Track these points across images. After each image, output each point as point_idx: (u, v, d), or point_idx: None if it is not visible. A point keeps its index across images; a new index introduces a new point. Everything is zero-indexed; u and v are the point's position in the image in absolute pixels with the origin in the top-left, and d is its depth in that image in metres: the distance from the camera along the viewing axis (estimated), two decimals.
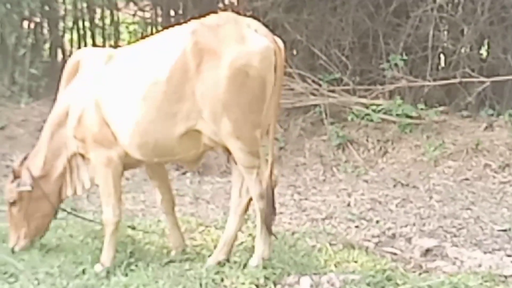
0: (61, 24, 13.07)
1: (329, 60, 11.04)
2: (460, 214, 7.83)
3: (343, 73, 10.91)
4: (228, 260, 5.66)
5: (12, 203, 5.95)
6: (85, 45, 12.99)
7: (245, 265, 5.56)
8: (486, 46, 11.63)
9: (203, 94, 5.18)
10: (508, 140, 9.57)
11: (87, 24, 13.24)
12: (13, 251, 5.98)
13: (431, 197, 8.43)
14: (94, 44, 12.98)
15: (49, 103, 6.11)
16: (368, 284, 5.45)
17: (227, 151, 5.45)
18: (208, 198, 8.47)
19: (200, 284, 5.38)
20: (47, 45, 12.81)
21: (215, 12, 5.59)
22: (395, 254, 6.61)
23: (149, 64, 5.39)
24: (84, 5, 13.20)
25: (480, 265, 6.24)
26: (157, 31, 11.12)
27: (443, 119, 10.15)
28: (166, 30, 5.75)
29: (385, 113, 10.11)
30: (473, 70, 10.57)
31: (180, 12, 12.61)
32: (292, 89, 10.46)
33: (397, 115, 10.05)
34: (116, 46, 12.44)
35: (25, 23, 12.11)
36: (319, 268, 5.85)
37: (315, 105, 10.37)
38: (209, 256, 5.79)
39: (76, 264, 5.83)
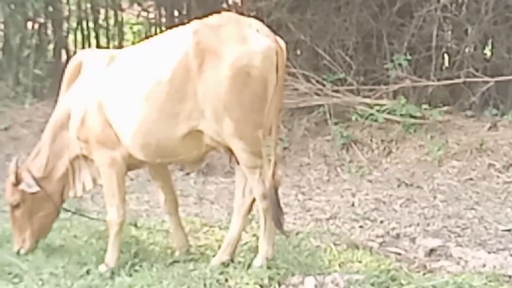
0: (65, 25, 13.07)
1: (333, 60, 11.04)
2: (464, 214, 7.82)
3: (347, 73, 10.91)
4: (232, 261, 5.67)
5: (15, 206, 5.94)
6: (89, 46, 12.99)
7: (249, 265, 5.57)
8: (490, 46, 11.62)
9: (205, 94, 5.19)
10: None
11: (91, 24, 13.23)
12: (18, 253, 5.98)
13: (435, 197, 8.42)
14: (98, 45, 12.99)
15: (53, 104, 6.10)
16: (372, 284, 5.46)
17: (229, 151, 5.46)
18: (212, 198, 8.47)
19: (205, 285, 5.39)
20: (51, 46, 12.80)
21: (219, 13, 5.59)
22: (399, 254, 6.60)
23: (151, 65, 5.40)
24: (88, 5, 13.20)
25: (484, 265, 6.23)
26: (161, 32, 11.15)
27: (447, 119, 10.14)
28: (168, 31, 5.77)
29: (389, 113, 10.10)
30: (477, 70, 10.56)
31: (184, 12, 12.61)
32: (296, 89, 10.46)
33: (401, 115, 10.04)
34: (120, 46, 12.47)
35: (29, 24, 12.11)
36: (323, 268, 5.85)
37: (319, 105, 10.36)
38: (214, 256, 5.80)
39: (80, 264, 5.84)
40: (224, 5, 12.31)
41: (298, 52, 11.67)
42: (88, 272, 5.71)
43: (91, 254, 5.97)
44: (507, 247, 6.75)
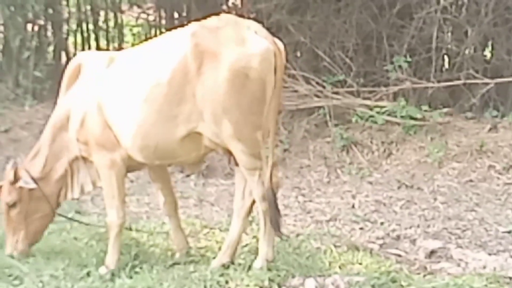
0: (65, 27, 13.05)
1: (333, 62, 11.04)
2: (464, 215, 7.82)
3: (347, 75, 10.91)
4: (232, 262, 5.67)
5: (12, 205, 5.90)
6: (89, 48, 12.97)
7: (249, 267, 5.57)
8: (490, 48, 11.61)
9: (204, 96, 5.20)
10: None
11: (91, 26, 13.22)
12: (12, 256, 5.94)
13: (435, 199, 8.42)
14: (98, 47, 12.98)
15: (53, 106, 6.10)
16: (372, 286, 5.46)
17: (228, 153, 5.46)
18: (212, 200, 8.47)
19: (205, 286, 5.40)
20: (51, 48, 12.79)
21: (219, 14, 5.59)
22: (399, 255, 6.60)
23: (150, 67, 5.41)
24: (88, 7, 13.19)
25: (484, 267, 6.23)
26: (161, 34, 11.15)
27: (447, 121, 10.14)
28: (167, 33, 5.77)
29: (389, 114, 10.10)
30: (477, 72, 10.56)
31: (184, 14, 12.60)
32: (296, 91, 10.46)
33: (401, 116, 10.03)
34: (120, 48, 12.45)
35: (29, 26, 12.11)
36: (323, 270, 5.85)
37: (319, 107, 10.35)
38: (214, 258, 5.80)
39: (80, 266, 5.84)
40: (224, 7, 12.30)
41: (298, 54, 11.66)
42: (88, 274, 5.71)
43: (92, 256, 5.97)
44: (508, 248, 6.75)
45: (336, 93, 10.58)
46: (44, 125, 6.06)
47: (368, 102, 10.38)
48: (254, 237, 6.42)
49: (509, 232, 7.27)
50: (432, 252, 6.63)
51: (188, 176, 9.26)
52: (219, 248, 5.96)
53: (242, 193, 5.63)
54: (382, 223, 7.58)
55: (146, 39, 10.07)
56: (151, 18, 13.52)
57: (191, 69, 5.20)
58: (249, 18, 9.28)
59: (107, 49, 12.61)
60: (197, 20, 5.53)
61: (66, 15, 13.06)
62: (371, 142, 9.92)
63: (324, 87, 10.61)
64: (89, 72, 5.78)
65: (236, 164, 5.51)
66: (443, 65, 11.36)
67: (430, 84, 10.52)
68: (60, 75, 6.09)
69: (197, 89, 5.21)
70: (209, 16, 5.51)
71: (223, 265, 5.64)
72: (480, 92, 10.37)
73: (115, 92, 5.55)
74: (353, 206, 8.23)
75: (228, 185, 8.83)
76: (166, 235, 6.59)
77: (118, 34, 13.43)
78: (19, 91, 11.38)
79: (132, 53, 5.84)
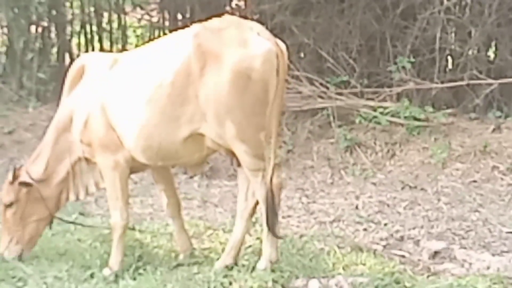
0: (68, 28, 13.08)
1: (336, 63, 11.03)
2: (468, 216, 7.81)
3: (351, 76, 10.90)
4: (236, 264, 5.68)
5: (8, 205, 5.89)
6: (93, 49, 12.99)
7: (253, 268, 5.57)
8: (493, 48, 11.59)
9: (206, 97, 5.20)
10: None
11: (94, 28, 13.24)
12: (2, 258, 5.93)
13: (439, 200, 8.41)
14: (101, 48, 12.99)
15: (57, 107, 6.11)
16: (376, 287, 5.48)
17: (231, 154, 5.46)
18: (216, 201, 8.47)
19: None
20: (54, 49, 12.82)
21: (222, 16, 5.60)
22: (403, 256, 6.60)
23: (153, 68, 5.42)
24: (92, 9, 13.21)
25: (488, 267, 6.23)
26: (165, 35, 11.15)
27: (451, 121, 10.13)
28: (170, 34, 5.78)
29: (392, 115, 10.09)
30: (480, 72, 10.54)
31: (188, 15, 12.62)
32: (299, 92, 10.45)
33: (405, 117, 10.02)
34: (123, 50, 12.46)
35: (33, 28, 12.14)
36: (327, 271, 5.85)
37: (323, 108, 10.35)
38: (218, 259, 5.80)
39: (84, 268, 5.85)
40: (228, 8, 12.31)
41: (302, 55, 11.66)
42: (92, 275, 5.72)
43: (95, 258, 5.98)
44: (511, 249, 6.75)
45: (340, 94, 10.57)
46: (48, 127, 6.06)
47: (371, 103, 10.37)
48: (258, 238, 6.42)
49: None
50: (436, 253, 6.62)
51: (191, 177, 9.26)
52: (223, 249, 5.97)
53: (245, 194, 5.63)
54: (385, 224, 7.57)
55: (149, 41, 10.07)
56: (154, 19, 13.53)
57: (194, 70, 5.21)
58: (252, 19, 9.29)
59: (111, 51, 12.62)
60: (201, 21, 5.54)
61: (69, 16, 13.09)
62: (375, 143, 9.92)
63: (327, 88, 10.60)
64: (92, 73, 5.79)
65: (239, 165, 5.52)
66: (446, 65, 11.34)
67: (434, 85, 10.51)
68: (63, 77, 6.09)
69: (200, 90, 5.21)
70: (212, 17, 5.52)
71: (227, 266, 5.64)
72: (484, 92, 10.35)
73: (119, 93, 5.56)
74: (356, 207, 8.22)
75: (231, 186, 8.83)
76: (169, 237, 6.60)
77: (122, 35, 13.45)
78: (22, 92, 11.41)
79: (135, 55, 5.85)
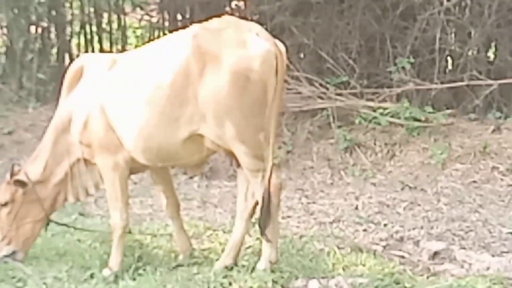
0: (68, 29, 13.10)
1: (336, 64, 11.03)
2: (468, 217, 7.81)
3: (351, 77, 10.89)
4: (236, 264, 5.67)
5: (3, 205, 5.84)
6: (93, 50, 13.02)
7: (253, 269, 5.57)
8: (493, 49, 11.60)
9: (205, 98, 5.20)
10: None
11: (94, 28, 13.25)
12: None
13: (439, 200, 8.41)
14: (101, 49, 13.00)
15: (56, 108, 6.10)
16: (376, 287, 5.46)
17: (231, 155, 5.46)
18: (215, 202, 8.47)
19: None
20: (54, 50, 12.84)
21: (222, 16, 5.60)
22: (403, 257, 6.60)
23: (152, 69, 5.42)
24: (91, 9, 13.22)
25: (488, 268, 6.22)
26: (164, 35, 11.15)
27: (450, 122, 10.12)
28: (169, 35, 5.78)
29: (392, 116, 10.09)
30: (480, 73, 10.54)
31: (187, 16, 12.62)
32: (299, 93, 10.45)
33: (405, 118, 10.02)
34: (123, 50, 12.50)
35: (33, 28, 12.15)
36: (327, 271, 5.85)
37: (323, 109, 10.34)
38: (217, 260, 5.80)
39: (84, 268, 5.84)
40: (227, 9, 12.30)
41: (301, 55, 11.66)
42: (92, 276, 5.72)
43: (95, 258, 5.97)
44: (511, 250, 6.75)
45: (340, 94, 10.57)
46: (47, 127, 6.05)
47: (371, 104, 10.37)
48: (257, 238, 6.40)
49: None
50: (436, 254, 6.62)
51: (191, 178, 9.26)
52: (223, 250, 5.97)
53: (245, 195, 5.63)
54: (385, 225, 7.57)
55: (149, 41, 10.07)
56: (154, 20, 13.54)
57: (193, 71, 5.21)
58: (252, 20, 9.30)
59: (111, 51, 12.63)
60: (200, 22, 5.54)
61: (69, 17, 13.11)
62: (375, 144, 9.91)
63: (327, 88, 10.59)
64: (91, 74, 5.78)
65: (239, 166, 5.52)
66: (446, 66, 11.35)
67: (434, 86, 10.51)
68: (63, 77, 6.09)
69: (199, 91, 5.21)
70: (212, 17, 5.52)
71: (227, 267, 5.64)
72: (484, 93, 10.34)
73: (118, 94, 5.56)
74: (356, 208, 8.22)
75: (231, 186, 8.82)
76: (169, 237, 6.59)
77: (121, 36, 13.48)
78: (22, 93, 11.42)
79: (134, 55, 5.86)
